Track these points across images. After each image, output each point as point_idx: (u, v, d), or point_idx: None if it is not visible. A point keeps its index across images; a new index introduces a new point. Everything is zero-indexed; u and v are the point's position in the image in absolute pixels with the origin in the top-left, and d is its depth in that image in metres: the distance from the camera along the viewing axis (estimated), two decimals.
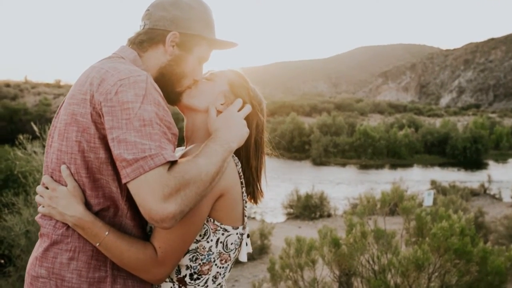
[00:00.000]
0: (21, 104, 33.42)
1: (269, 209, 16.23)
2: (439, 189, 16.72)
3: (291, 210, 15.12)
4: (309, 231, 11.69)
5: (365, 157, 32.83)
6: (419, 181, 23.04)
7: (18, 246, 5.70)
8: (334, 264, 4.47)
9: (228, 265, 1.79)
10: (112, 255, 1.59)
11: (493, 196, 17.99)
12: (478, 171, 29.45)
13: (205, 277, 1.73)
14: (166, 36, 1.78)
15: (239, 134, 1.74)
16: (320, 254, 4.48)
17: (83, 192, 1.61)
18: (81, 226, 1.58)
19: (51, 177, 1.67)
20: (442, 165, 32.81)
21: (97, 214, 1.62)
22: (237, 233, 1.77)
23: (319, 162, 30.97)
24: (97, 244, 1.58)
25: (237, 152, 1.82)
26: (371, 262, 4.44)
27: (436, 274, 4.18)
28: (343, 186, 21.91)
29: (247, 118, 1.86)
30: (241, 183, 1.79)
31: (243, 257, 1.86)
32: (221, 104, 1.88)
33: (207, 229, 1.69)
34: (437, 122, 46.72)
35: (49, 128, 3.11)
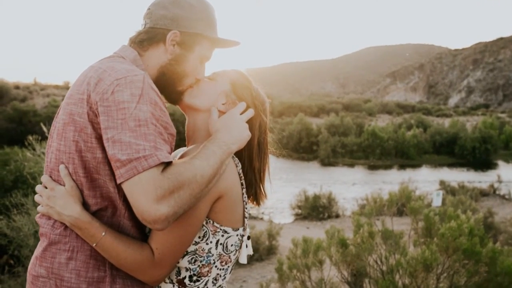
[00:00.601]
0: (31, 106, 33.60)
1: (277, 209, 16.21)
2: (448, 190, 16.62)
3: (299, 211, 15.08)
4: (317, 231, 11.65)
5: (374, 157, 32.69)
6: (428, 181, 22.92)
7: (27, 247, 5.73)
8: (341, 265, 4.45)
9: (228, 266, 1.78)
10: (109, 255, 1.58)
11: (503, 197, 17.83)
12: (487, 171, 29.22)
13: (204, 279, 1.71)
14: (166, 35, 1.77)
15: (239, 136, 1.72)
16: (327, 254, 4.46)
17: (81, 192, 1.61)
18: (78, 226, 1.58)
19: (50, 176, 1.67)
20: (451, 165, 32.60)
21: (95, 214, 1.61)
22: (237, 235, 1.75)
23: (327, 162, 30.87)
24: (94, 245, 1.57)
25: (240, 153, 1.81)
26: (379, 262, 4.43)
27: (445, 274, 4.16)
28: (352, 187, 21.82)
29: (249, 119, 1.84)
30: (242, 184, 1.77)
31: (243, 259, 1.84)
32: (223, 104, 1.86)
33: (206, 231, 1.68)
34: (446, 122, 46.43)
35: None
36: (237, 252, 1.80)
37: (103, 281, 1.62)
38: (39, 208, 1.70)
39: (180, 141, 1.96)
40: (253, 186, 1.88)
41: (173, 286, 1.71)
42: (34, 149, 7.18)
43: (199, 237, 1.68)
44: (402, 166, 31.09)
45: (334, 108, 54.64)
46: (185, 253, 1.67)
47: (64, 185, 1.62)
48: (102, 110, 1.51)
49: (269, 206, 16.44)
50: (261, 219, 14.46)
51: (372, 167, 30.45)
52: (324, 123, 37.19)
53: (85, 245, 1.61)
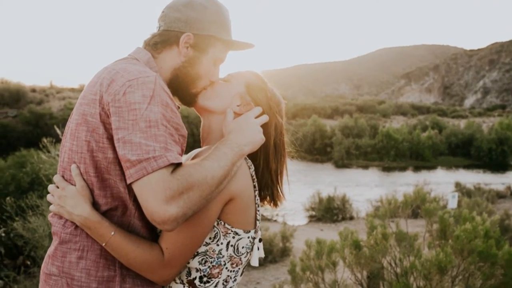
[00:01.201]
0: (47, 109, 33.95)
1: (291, 211, 16.17)
2: (463, 192, 16.44)
3: (313, 213, 15.02)
4: (331, 233, 11.60)
5: (388, 159, 32.47)
6: (443, 183, 22.69)
7: (42, 248, 5.79)
8: (355, 267, 4.42)
9: (239, 268, 1.77)
10: (119, 255, 1.59)
11: None
12: (504, 173, 28.88)
13: (215, 280, 1.71)
14: (180, 37, 1.78)
15: (252, 138, 1.72)
16: (340, 256, 4.44)
17: (92, 191, 1.62)
18: (87, 225, 1.59)
19: (62, 176, 1.69)
20: (466, 167, 32.25)
21: (105, 213, 1.62)
22: (248, 237, 1.75)
23: (341, 164, 30.73)
24: (104, 244, 1.58)
25: (256, 155, 1.80)
26: (393, 264, 4.39)
27: (460, 277, 4.11)
28: (366, 189, 21.69)
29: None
30: (254, 186, 1.76)
31: (255, 262, 1.83)
32: (237, 106, 1.86)
33: (217, 232, 1.67)
34: (462, 124, 45.93)
35: None
36: (248, 254, 1.80)
37: (113, 280, 1.63)
38: (51, 207, 1.72)
39: (195, 143, 1.96)
40: (269, 188, 1.87)
41: (184, 286, 1.71)
42: (49, 151, 7.25)
43: (210, 238, 1.67)
44: (417, 168, 30.83)
45: (348, 109, 54.38)
46: (196, 253, 1.67)
47: (75, 185, 1.63)
48: (113, 111, 1.52)
49: (283, 207, 16.41)
50: (275, 221, 14.44)
51: (387, 169, 30.24)
52: (338, 125, 37.03)
53: (95, 244, 1.62)
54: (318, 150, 33.52)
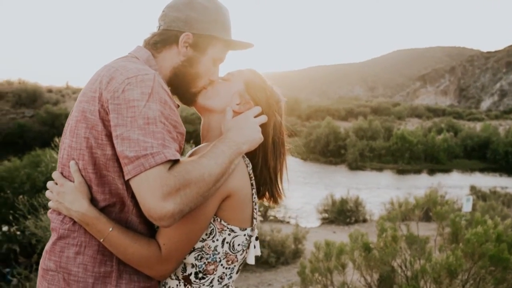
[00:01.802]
0: (63, 109, 34.24)
1: (304, 213, 16.14)
2: (479, 195, 16.26)
3: (326, 215, 14.97)
4: (344, 236, 11.53)
5: (402, 161, 32.21)
6: (458, 186, 22.48)
7: None
8: (364, 269, 4.40)
9: (234, 266, 1.78)
10: (116, 250, 1.61)
11: None
12: None
13: (210, 276, 1.72)
14: (179, 37, 1.80)
15: (250, 137, 1.73)
16: (350, 258, 4.42)
17: (90, 188, 1.64)
18: (85, 221, 1.61)
19: (61, 172, 1.71)
20: (482, 170, 31.89)
21: (104, 209, 1.64)
22: (244, 235, 1.76)
23: (355, 166, 30.57)
24: (101, 240, 1.60)
25: (254, 153, 1.81)
26: (403, 267, 4.36)
27: (471, 281, 4.07)
28: (380, 191, 21.56)
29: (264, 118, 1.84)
30: (252, 185, 1.77)
31: (251, 260, 1.84)
32: (237, 104, 1.87)
33: (213, 228, 1.69)
34: (478, 126, 45.40)
35: None
36: (245, 252, 1.81)
37: (109, 276, 1.65)
38: (49, 204, 1.75)
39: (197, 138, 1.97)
40: (268, 185, 1.88)
41: (179, 282, 1.73)
42: None
43: (206, 234, 1.69)
44: (432, 171, 30.57)
45: (363, 111, 54.02)
46: (192, 249, 1.69)
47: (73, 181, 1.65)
48: (112, 108, 1.54)
49: (295, 209, 16.39)
50: (288, 222, 14.42)
51: (401, 172, 30.03)
52: (352, 127, 36.84)
53: (93, 240, 1.64)
54: (331, 152, 33.38)
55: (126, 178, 1.49)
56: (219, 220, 1.69)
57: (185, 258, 1.70)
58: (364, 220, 14.55)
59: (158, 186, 1.43)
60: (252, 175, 1.78)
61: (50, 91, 41.08)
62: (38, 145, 13.29)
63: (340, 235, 12.08)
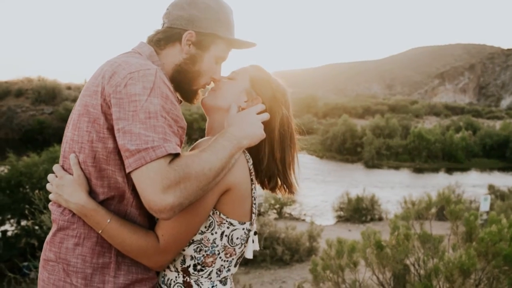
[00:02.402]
0: None
1: (319, 211, 16.12)
2: (497, 194, 16.06)
3: (342, 213, 14.94)
4: (359, 234, 11.48)
5: (420, 160, 31.88)
6: (476, 185, 22.23)
7: None
8: (376, 267, 4.40)
9: (233, 259, 1.81)
10: (115, 242, 1.64)
11: None
12: None
13: (208, 269, 1.75)
14: (182, 35, 1.82)
15: (251, 132, 1.75)
16: (362, 256, 4.42)
17: (89, 181, 1.67)
18: (83, 213, 1.64)
19: (62, 166, 1.75)
20: (501, 169, 31.42)
21: (103, 203, 1.67)
22: (243, 229, 1.78)
23: (371, 164, 30.35)
24: (100, 231, 1.64)
25: (260, 146, 1.83)
26: (416, 266, 4.34)
27: (485, 281, 4.03)
28: (396, 190, 21.39)
29: (270, 111, 1.87)
30: (251, 180, 1.79)
31: (249, 254, 1.86)
32: (245, 102, 1.90)
33: (212, 221, 1.71)
34: (497, 125, 44.71)
35: None
36: (243, 246, 1.83)
37: (108, 267, 1.68)
38: (50, 196, 1.79)
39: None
40: (276, 176, 1.90)
41: (178, 274, 1.77)
42: None
43: (205, 227, 1.72)
44: (450, 170, 30.21)
45: (380, 109, 53.58)
46: (192, 241, 1.72)
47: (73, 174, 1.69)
48: (114, 102, 1.57)
49: (311, 207, 16.38)
50: (303, 220, 14.42)
51: (418, 170, 29.74)
52: (369, 125, 36.56)
53: (92, 232, 1.68)
54: (348, 150, 33.19)
55: (127, 171, 1.52)
56: (218, 213, 1.72)
57: (184, 250, 1.73)
58: (380, 219, 14.48)
59: (159, 179, 1.46)
60: (252, 171, 1.80)
61: (69, 88, 41.44)
62: (57, 141, 13.46)
63: (355, 234, 12.03)
